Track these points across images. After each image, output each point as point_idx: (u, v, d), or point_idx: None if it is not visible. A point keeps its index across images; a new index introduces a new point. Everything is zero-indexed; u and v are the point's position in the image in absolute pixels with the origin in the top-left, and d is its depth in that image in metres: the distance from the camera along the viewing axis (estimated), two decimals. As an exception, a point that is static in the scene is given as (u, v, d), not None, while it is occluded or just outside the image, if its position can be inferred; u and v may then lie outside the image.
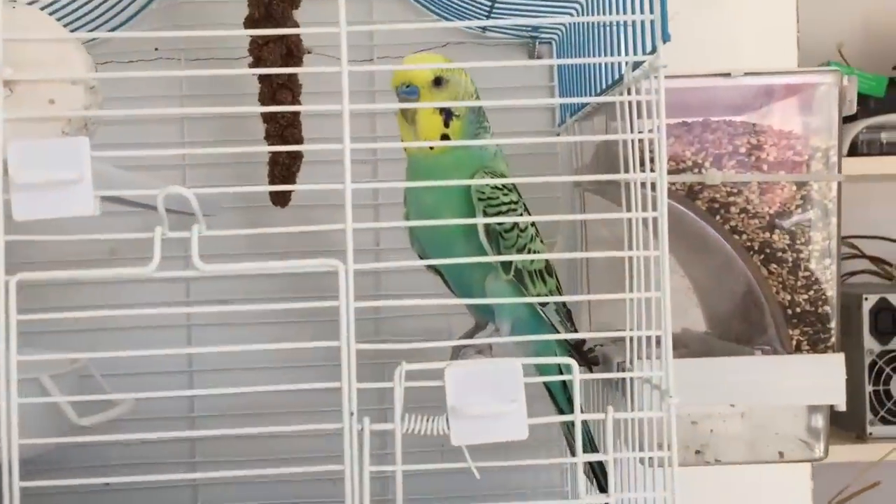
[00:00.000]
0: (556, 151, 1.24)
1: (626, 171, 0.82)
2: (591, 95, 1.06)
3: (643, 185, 0.81)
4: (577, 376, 0.71)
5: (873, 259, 1.69)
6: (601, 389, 0.94)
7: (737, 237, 0.85)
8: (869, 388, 1.37)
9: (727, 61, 1.26)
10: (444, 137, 0.82)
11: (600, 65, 1.06)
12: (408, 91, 0.83)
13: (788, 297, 0.86)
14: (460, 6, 1.18)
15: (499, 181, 0.81)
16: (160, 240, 0.69)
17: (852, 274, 1.66)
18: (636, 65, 0.80)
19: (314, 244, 1.22)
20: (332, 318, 0.67)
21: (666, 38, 0.70)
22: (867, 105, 1.51)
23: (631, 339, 0.77)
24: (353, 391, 0.69)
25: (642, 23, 0.74)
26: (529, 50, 1.26)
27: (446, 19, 1.25)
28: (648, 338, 0.72)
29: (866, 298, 1.38)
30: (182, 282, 1.24)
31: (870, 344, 1.38)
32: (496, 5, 1.12)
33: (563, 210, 1.14)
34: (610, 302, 1.19)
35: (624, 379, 0.86)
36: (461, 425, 0.68)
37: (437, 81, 0.82)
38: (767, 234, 0.85)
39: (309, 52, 1.10)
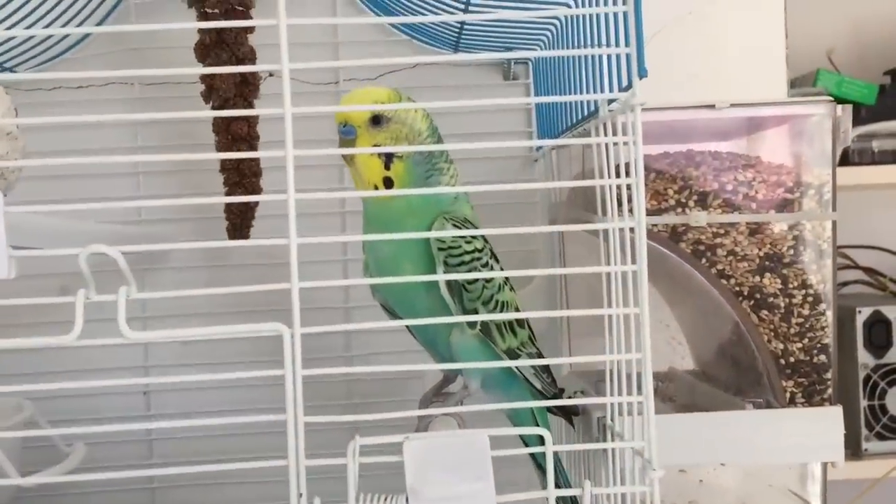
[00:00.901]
0: (534, 178, 1.18)
1: (604, 212, 0.76)
2: (569, 120, 1.00)
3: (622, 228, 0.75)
4: (550, 448, 0.64)
5: (866, 270, 1.63)
6: (581, 439, 0.87)
7: (724, 281, 0.79)
8: (864, 403, 1.30)
9: (713, 79, 1.20)
10: (388, 181, 0.74)
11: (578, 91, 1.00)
12: (345, 131, 0.75)
13: (781, 346, 0.79)
14: (431, 27, 1.11)
15: (459, 233, 0.73)
16: (82, 305, 0.62)
17: (845, 284, 1.60)
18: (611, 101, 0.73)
19: (273, 297, 1.17)
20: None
21: (642, 73, 0.64)
22: (858, 113, 1.44)
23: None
24: (301, 470, 0.62)
25: (618, 56, 0.67)
26: (504, 70, 1.19)
27: (416, 38, 1.18)
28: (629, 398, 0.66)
29: (860, 311, 1.31)
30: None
31: (864, 358, 1.31)
32: (466, 27, 1.05)
33: (540, 243, 1.07)
34: (589, 347, 1.13)
35: (605, 431, 0.80)
36: (421, 508, 0.62)
37: (376, 120, 0.74)
38: (757, 279, 0.79)
39: (271, 75, 1.04)
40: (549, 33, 1.02)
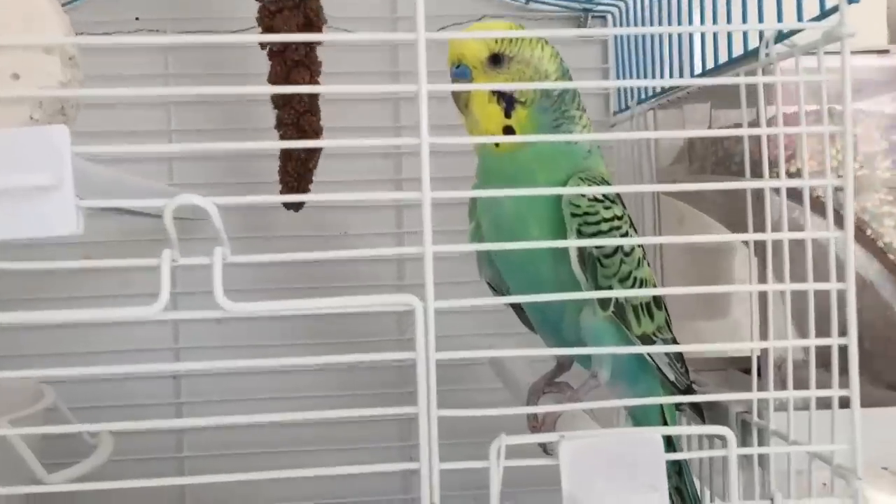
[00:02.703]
0: (611, 144, 1.06)
1: (758, 174, 0.64)
2: (670, 76, 0.89)
3: (776, 192, 0.63)
4: (734, 452, 0.53)
5: None
6: (699, 439, 0.76)
7: (892, 257, 0.68)
8: None
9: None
10: (508, 131, 0.63)
11: (679, 42, 0.89)
12: (458, 72, 0.64)
13: (954, 332, 0.69)
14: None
15: (598, 190, 0.61)
16: (169, 269, 0.50)
17: None
18: (780, 37, 0.62)
19: (338, 266, 1.06)
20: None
21: (854, -4, 0.52)
22: None
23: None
24: (435, 474, 0.51)
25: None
26: (580, 24, 1.08)
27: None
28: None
29: None
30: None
31: None
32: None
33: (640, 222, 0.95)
34: (694, 325, 1.03)
35: (747, 429, 0.69)
36: (588, 524, 0.50)
37: (495, 59, 0.63)
38: (929, 254, 0.68)
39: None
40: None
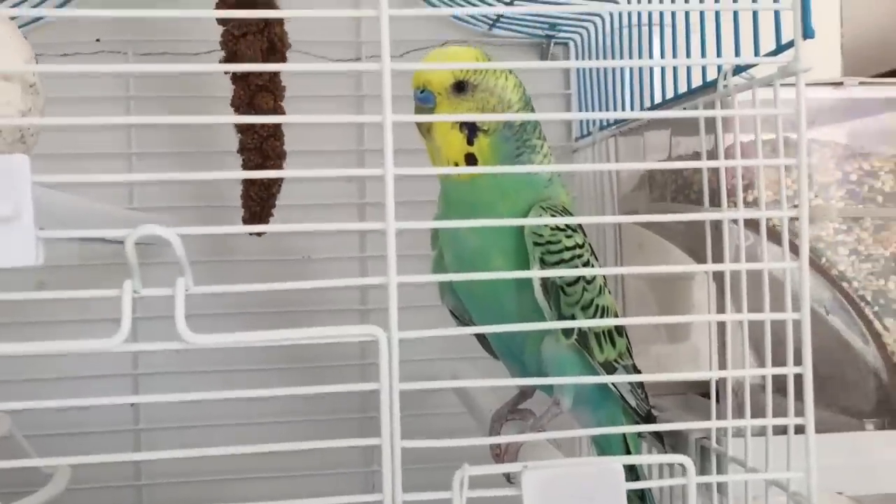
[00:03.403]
0: (573, 173, 1.07)
1: (716, 203, 0.66)
2: (629, 105, 0.90)
3: (734, 221, 0.65)
4: (693, 480, 0.53)
5: None
6: (659, 466, 0.77)
7: (845, 285, 0.69)
8: None
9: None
10: (470, 159, 0.64)
11: (640, 70, 0.90)
12: (422, 97, 0.64)
13: (906, 359, 0.70)
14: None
15: (560, 220, 0.62)
16: (130, 299, 0.49)
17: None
18: (738, 70, 0.63)
19: (285, 298, 1.05)
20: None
21: (809, 32, 0.54)
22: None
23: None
24: (398, 506, 0.50)
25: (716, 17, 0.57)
26: (543, 50, 1.09)
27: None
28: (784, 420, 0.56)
29: None
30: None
31: None
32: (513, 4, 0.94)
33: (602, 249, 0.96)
34: (655, 349, 1.04)
35: (706, 455, 0.70)
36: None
37: (459, 87, 0.63)
38: (882, 282, 0.69)
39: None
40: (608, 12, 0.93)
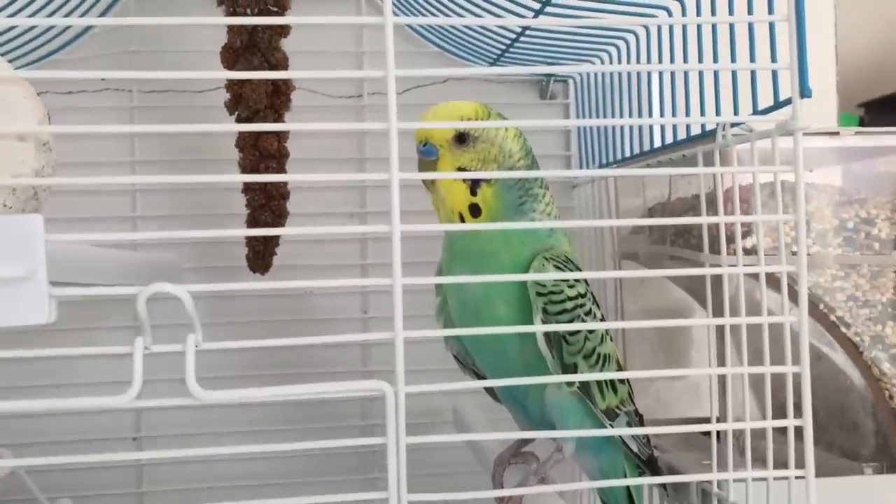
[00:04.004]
0: (573, 205, 1.09)
1: (716, 249, 0.67)
2: (631, 147, 0.92)
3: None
4: (696, 531, 0.54)
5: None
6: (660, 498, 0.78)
7: (843, 330, 0.70)
8: None
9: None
10: (474, 209, 0.65)
11: (639, 109, 0.92)
12: (425, 150, 0.65)
13: (903, 404, 0.71)
14: (473, 40, 1.01)
15: (563, 276, 0.63)
16: (142, 356, 0.50)
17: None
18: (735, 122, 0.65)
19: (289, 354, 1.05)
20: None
21: (806, 91, 0.55)
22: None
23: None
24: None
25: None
26: (542, 87, 1.10)
27: (449, 51, 1.08)
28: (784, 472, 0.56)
29: None
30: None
31: None
32: (517, 42, 0.96)
33: (602, 282, 0.97)
34: (655, 386, 1.04)
35: (707, 500, 0.71)
36: None
37: (461, 138, 0.64)
38: (880, 328, 0.70)
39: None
40: (614, 48, 0.94)
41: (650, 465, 0.72)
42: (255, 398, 0.52)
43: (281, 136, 0.88)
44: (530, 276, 0.61)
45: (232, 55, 0.86)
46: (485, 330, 0.54)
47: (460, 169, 0.64)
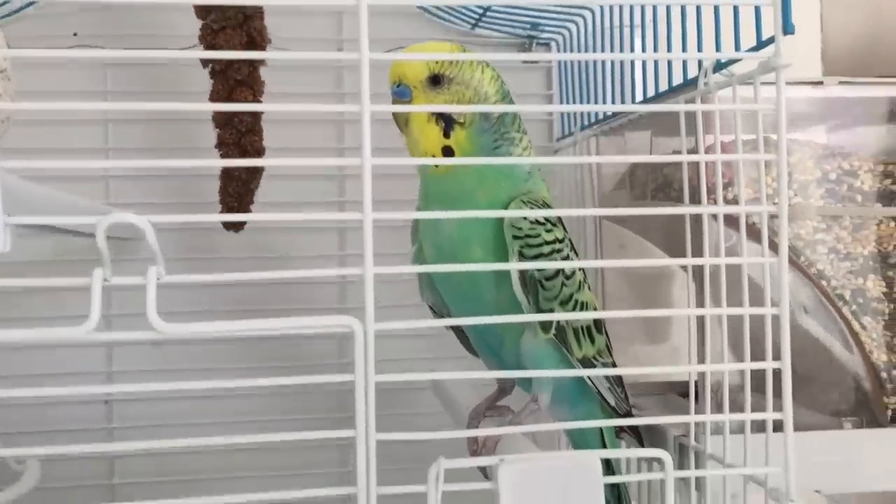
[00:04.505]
0: (554, 170, 1.07)
1: (696, 201, 0.66)
2: (612, 103, 0.90)
3: (713, 218, 0.65)
4: (671, 474, 0.53)
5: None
6: (637, 463, 0.76)
7: (823, 283, 0.69)
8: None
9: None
10: (447, 152, 0.63)
11: (621, 70, 0.90)
12: (398, 91, 0.64)
13: (884, 358, 0.70)
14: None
15: (540, 213, 0.62)
16: (100, 288, 0.49)
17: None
18: (718, 66, 0.63)
19: (279, 289, 1.04)
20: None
21: (789, 28, 0.54)
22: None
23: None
24: (372, 499, 0.50)
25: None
26: (525, 50, 1.08)
27: (430, 11, 1.06)
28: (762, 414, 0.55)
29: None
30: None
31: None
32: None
33: (582, 247, 0.96)
34: (635, 349, 1.03)
35: (684, 452, 0.70)
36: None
37: (435, 80, 0.63)
38: (861, 281, 0.69)
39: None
40: (596, 8, 0.93)
41: (633, 429, 0.71)
42: (219, 332, 0.50)
43: (256, 90, 0.86)
44: (506, 213, 0.60)
45: (205, 7, 0.83)
46: (457, 267, 0.52)
47: (434, 112, 0.63)
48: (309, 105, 0.54)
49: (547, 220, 0.63)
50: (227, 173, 0.88)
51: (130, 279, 0.48)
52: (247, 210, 0.90)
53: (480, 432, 0.58)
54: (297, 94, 1.01)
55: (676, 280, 0.98)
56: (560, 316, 0.62)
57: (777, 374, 0.53)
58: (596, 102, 0.95)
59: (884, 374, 0.70)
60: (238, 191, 0.88)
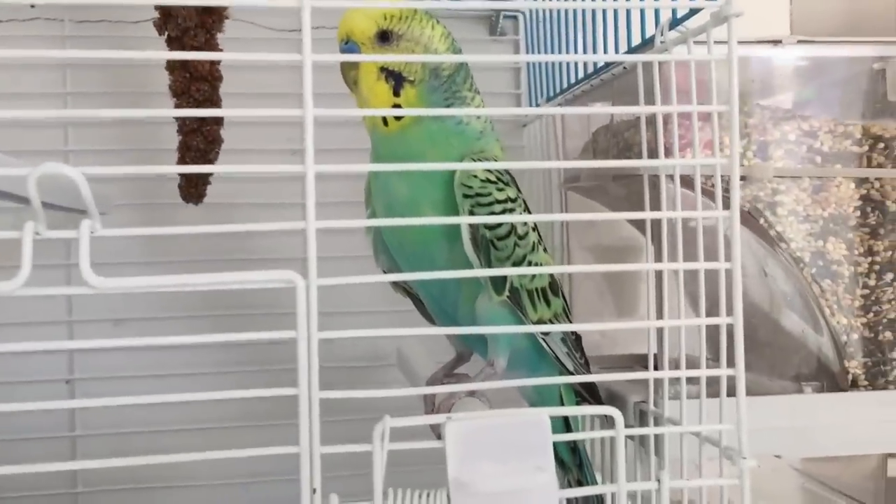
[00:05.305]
0: (522, 144, 1.06)
1: (653, 159, 0.64)
2: (576, 75, 0.89)
3: (670, 177, 0.64)
4: (622, 432, 0.52)
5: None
6: (600, 427, 0.75)
7: (783, 245, 0.68)
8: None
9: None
10: (397, 109, 0.61)
11: (584, 41, 0.89)
12: (346, 48, 0.63)
13: (844, 321, 0.69)
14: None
15: (491, 165, 0.60)
16: (31, 242, 0.47)
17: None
18: (674, 23, 0.62)
19: (234, 250, 1.02)
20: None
21: (741, -24, 0.53)
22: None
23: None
24: (315, 458, 0.49)
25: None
26: (491, 25, 1.07)
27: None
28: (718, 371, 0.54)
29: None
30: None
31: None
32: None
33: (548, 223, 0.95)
34: (601, 322, 1.02)
35: (644, 418, 0.69)
36: (469, 505, 0.49)
37: (384, 36, 0.62)
38: (821, 243, 0.69)
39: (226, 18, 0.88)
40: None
41: (590, 392, 0.70)
42: (155, 287, 0.49)
43: (213, 61, 0.85)
44: (454, 166, 0.59)
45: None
46: (404, 221, 0.51)
47: (383, 69, 0.61)
48: (248, 55, 0.52)
49: (499, 178, 0.62)
50: (184, 144, 0.86)
51: (63, 233, 0.47)
52: (206, 183, 0.88)
53: (431, 390, 0.57)
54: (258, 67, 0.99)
55: (643, 255, 0.97)
56: (508, 271, 0.61)
57: (731, 329, 0.53)
58: (561, 74, 0.94)
59: (844, 338, 0.69)
60: (196, 162, 0.86)
